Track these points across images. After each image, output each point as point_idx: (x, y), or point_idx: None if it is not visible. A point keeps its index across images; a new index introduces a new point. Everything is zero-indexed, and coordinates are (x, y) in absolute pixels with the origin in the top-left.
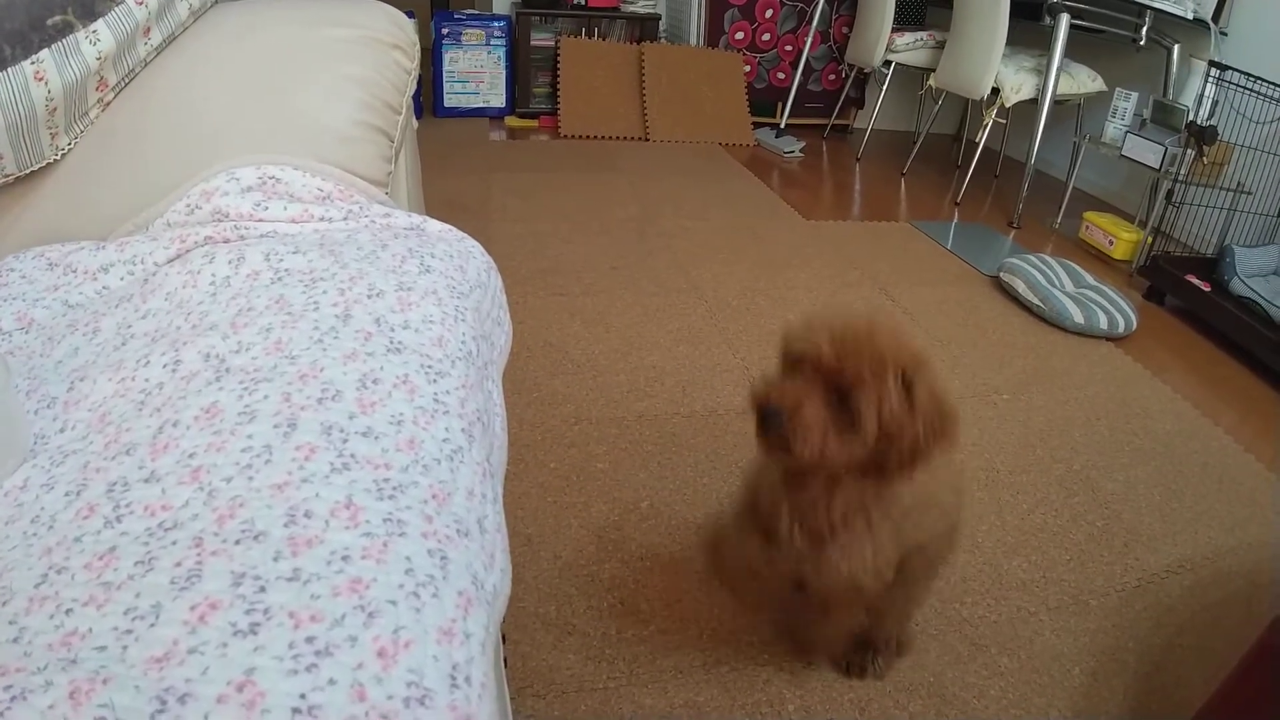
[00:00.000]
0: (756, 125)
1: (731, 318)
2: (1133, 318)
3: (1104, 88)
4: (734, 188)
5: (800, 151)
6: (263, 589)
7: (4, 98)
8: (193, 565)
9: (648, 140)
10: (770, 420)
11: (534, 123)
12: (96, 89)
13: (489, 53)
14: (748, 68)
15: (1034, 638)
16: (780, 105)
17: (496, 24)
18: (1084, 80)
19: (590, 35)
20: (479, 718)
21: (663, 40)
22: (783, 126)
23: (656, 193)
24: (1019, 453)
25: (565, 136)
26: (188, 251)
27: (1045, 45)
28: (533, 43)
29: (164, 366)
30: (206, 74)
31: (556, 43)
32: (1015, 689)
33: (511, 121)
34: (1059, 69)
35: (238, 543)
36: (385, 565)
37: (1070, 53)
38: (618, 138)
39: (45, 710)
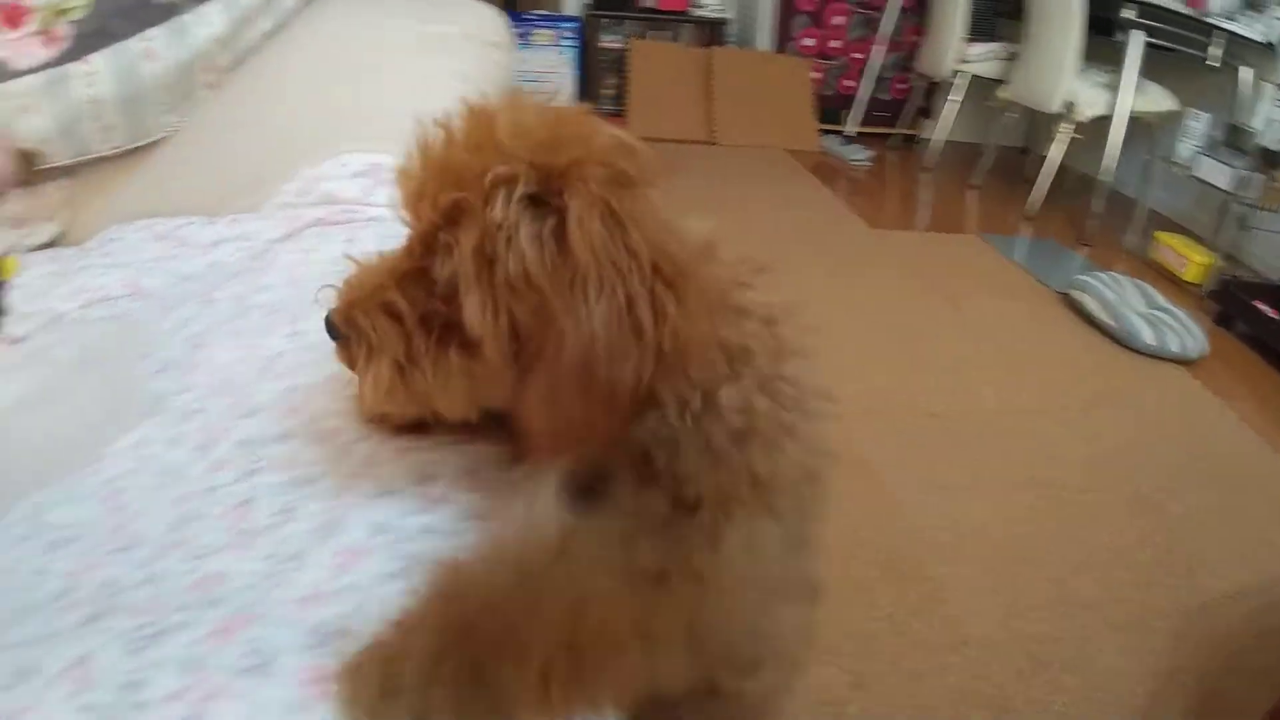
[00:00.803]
0: (823, 132)
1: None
2: (1204, 341)
3: (1176, 107)
4: (799, 193)
5: (867, 160)
6: (399, 540)
7: (117, 70)
8: (333, 516)
9: (714, 144)
10: (333, 338)
11: None
12: (206, 71)
13: (559, 53)
14: (816, 74)
15: (1097, 655)
16: (847, 113)
17: (567, 25)
18: (1157, 98)
19: (660, 38)
20: None
21: (731, 44)
22: (850, 134)
23: (721, 196)
24: (1087, 472)
25: None
26: (299, 231)
27: (1118, 61)
28: (602, 44)
29: (285, 337)
30: (314, 63)
31: (626, 45)
32: (1077, 706)
33: None
34: (1132, 86)
35: (378, 497)
36: None
37: (1142, 70)
38: (684, 141)
39: (189, 644)
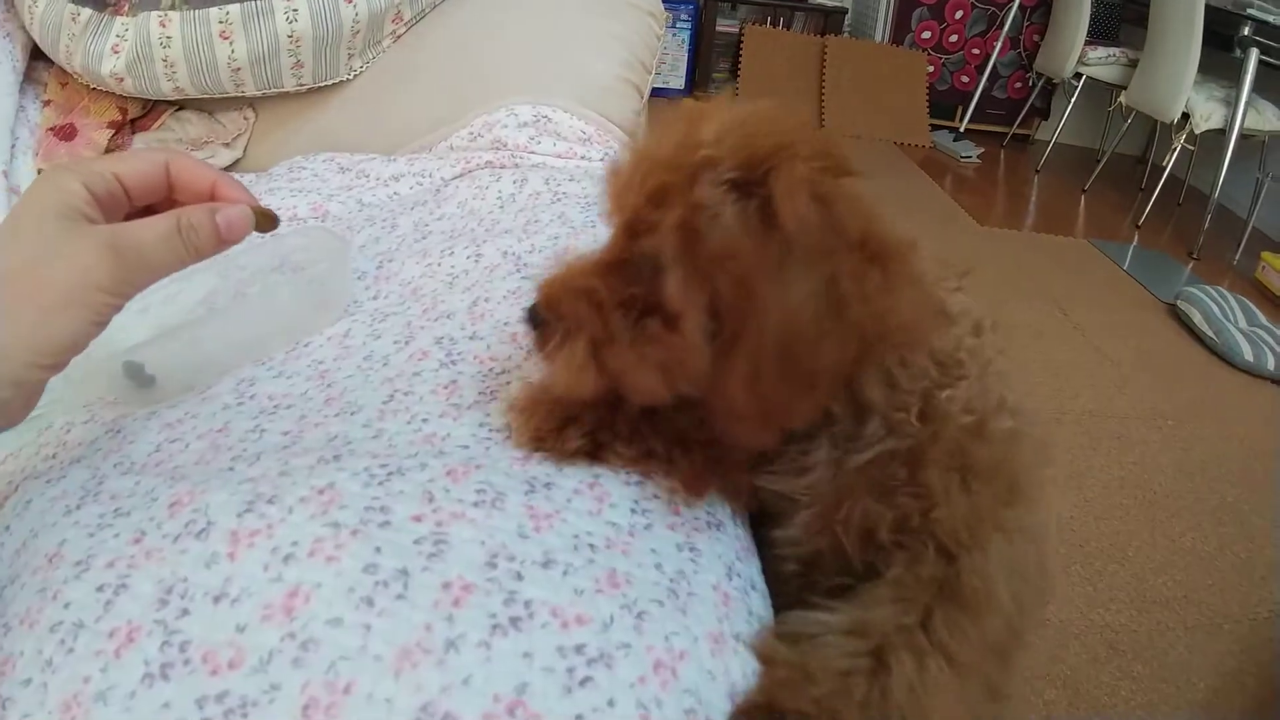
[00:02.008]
0: (934, 127)
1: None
2: None
3: None
4: (907, 187)
5: (978, 158)
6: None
7: (316, 10)
8: None
9: (823, 130)
10: (534, 325)
11: None
12: (392, 20)
13: (673, 34)
14: (931, 68)
15: (1168, 650)
16: (961, 109)
17: (684, 7)
18: (1270, 117)
19: (775, 24)
20: None
21: (846, 34)
22: (962, 130)
23: None
24: (1177, 478)
25: None
26: (471, 171)
27: (1234, 77)
28: (717, 28)
29: (467, 257)
30: (489, 20)
31: (740, 29)
32: (1144, 694)
33: None
34: (1246, 102)
35: None
36: None
37: (1258, 88)
38: None
39: (425, 482)
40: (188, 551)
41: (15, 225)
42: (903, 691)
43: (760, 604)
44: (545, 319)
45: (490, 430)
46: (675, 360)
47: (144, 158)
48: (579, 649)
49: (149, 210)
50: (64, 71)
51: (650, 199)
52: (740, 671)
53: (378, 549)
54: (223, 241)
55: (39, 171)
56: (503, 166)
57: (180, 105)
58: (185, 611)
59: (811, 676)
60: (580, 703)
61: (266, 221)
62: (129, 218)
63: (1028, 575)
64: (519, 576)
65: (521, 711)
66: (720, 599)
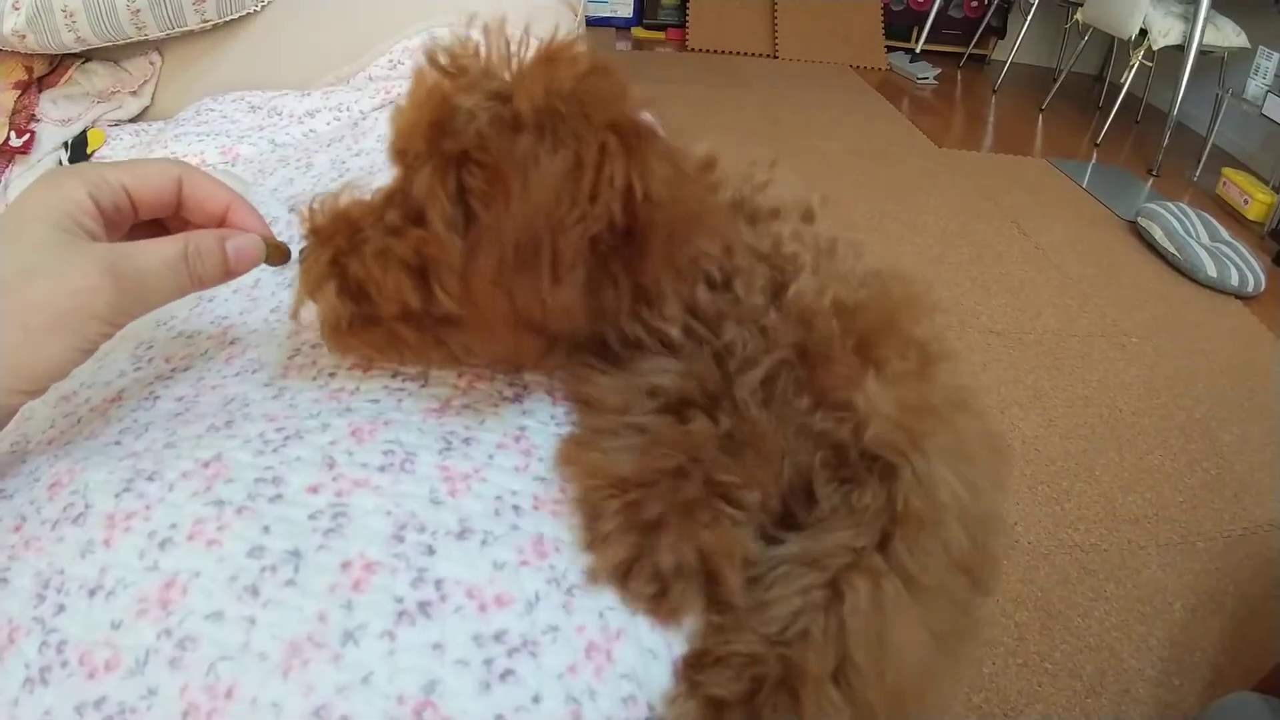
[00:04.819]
0: (890, 49)
1: (860, 238)
2: (1262, 278)
3: (1247, 44)
4: (864, 110)
5: (935, 79)
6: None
7: None
8: None
9: (776, 57)
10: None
11: (661, 35)
12: None
13: None
14: None
15: (1141, 570)
16: (917, 30)
17: None
18: (1229, 34)
19: None
20: None
21: None
22: (918, 52)
23: (785, 111)
24: (1142, 396)
25: (692, 50)
26: (392, 101)
27: None
28: None
29: None
30: None
31: None
32: (1118, 614)
33: (638, 32)
34: (1205, 18)
35: None
36: None
37: (1216, 4)
38: (746, 53)
39: (325, 446)
40: (64, 539)
41: (8, 229)
42: (858, 620)
43: None
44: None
45: (405, 379)
46: (425, 256)
47: (158, 170)
48: (498, 637)
49: (154, 224)
50: None
51: (425, 128)
52: (690, 634)
53: (266, 528)
54: (229, 273)
55: None
56: None
57: (86, 57)
58: (62, 608)
59: (761, 615)
60: (500, 701)
61: (278, 255)
62: (132, 231)
63: (976, 457)
64: (430, 550)
65: (430, 714)
66: None
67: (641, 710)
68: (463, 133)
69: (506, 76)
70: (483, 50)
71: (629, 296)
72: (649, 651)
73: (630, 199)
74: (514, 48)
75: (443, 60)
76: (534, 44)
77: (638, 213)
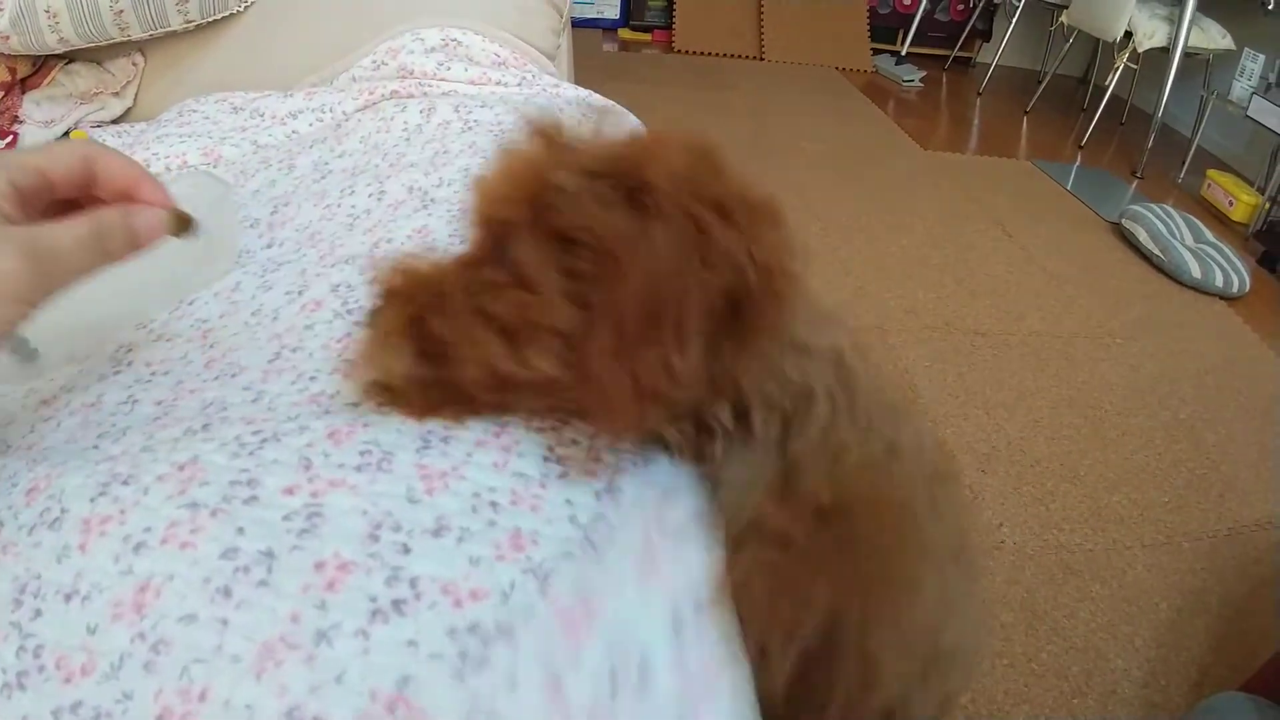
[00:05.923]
0: (876, 51)
1: (844, 239)
2: (1246, 279)
3: (1233, 46)
4: (850, 112)
5: (920, 81)
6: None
7: None
8: None
9: (762, 60)
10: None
11: (647, 36)
12: None
13: None
14: None
15: (1126, 570)
16: (902, 32)
17: None
18: (1214, 36)
19: None
20: None
21: None
22: (903, 54)
23: (770, 113)
24: (1127, 396)
25: (678, 52)
26: (375, 103)
27: None
28: None
29: (369, 195)
30: None
31: None
32: (1104, 614)
33: (624, 34)
34: (1190, 20)
35: None
36: None
37: (1201, 6)
38: (732, 55)
39: (302, 448)
40: (41, 544)
41: None
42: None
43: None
44: (376, 305)
45: None
46: (526, 320)
47: (69, 151)
48: (473, 628)
49: (69, 203)
50: None
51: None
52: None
53: (240, 530)
54: (135, 246)
55: None
56: (409, 96)
57: (70, 59)
58: (39, 613)
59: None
60: (474, 687)
61: (181, 225)
62: (48, 210)
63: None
64: (405, 549)
65: (403, 708)
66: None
67: (632, 672)
68: (565, 210)
69: (599, 153)
70: (569, 127)
71: (736, 368)
72: (633, 609)
73: (743, 268)
74: (600, 128)
75: (536, 136)
76: (617, 128)
77: (751, 281)
